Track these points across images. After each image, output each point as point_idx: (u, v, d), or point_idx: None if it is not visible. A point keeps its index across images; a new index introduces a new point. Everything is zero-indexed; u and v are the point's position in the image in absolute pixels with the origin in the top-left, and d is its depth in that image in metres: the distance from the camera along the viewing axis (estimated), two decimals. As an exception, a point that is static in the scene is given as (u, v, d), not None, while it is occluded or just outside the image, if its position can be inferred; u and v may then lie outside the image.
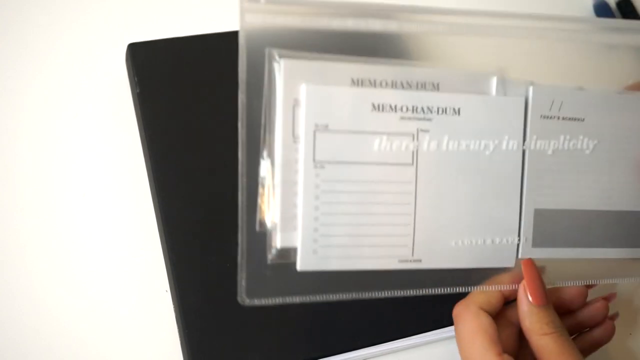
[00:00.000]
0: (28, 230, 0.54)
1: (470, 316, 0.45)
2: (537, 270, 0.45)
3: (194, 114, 0.56)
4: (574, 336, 0.50)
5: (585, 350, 0.49)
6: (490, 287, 0.46)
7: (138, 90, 0.57)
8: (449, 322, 0.50)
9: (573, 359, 0.43)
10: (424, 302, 0.48)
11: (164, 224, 0.53)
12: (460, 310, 0.46)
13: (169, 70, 0.58)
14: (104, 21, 0.64)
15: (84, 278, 0.53)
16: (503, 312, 0.48)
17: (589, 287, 0.50)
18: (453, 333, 0.49)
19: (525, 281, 0.45)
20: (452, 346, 0.50)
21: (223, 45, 0.56)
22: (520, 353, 0.47)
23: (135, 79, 0.57)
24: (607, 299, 0.51)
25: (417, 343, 0.52)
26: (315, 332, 0.50)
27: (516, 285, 0.46)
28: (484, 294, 0.46)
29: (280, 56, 0.42)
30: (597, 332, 0.49)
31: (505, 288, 0.46)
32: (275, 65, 0.42)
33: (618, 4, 0.70)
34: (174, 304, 0.51)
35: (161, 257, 0.53)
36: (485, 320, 0.45)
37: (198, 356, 0.49)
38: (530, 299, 0.45)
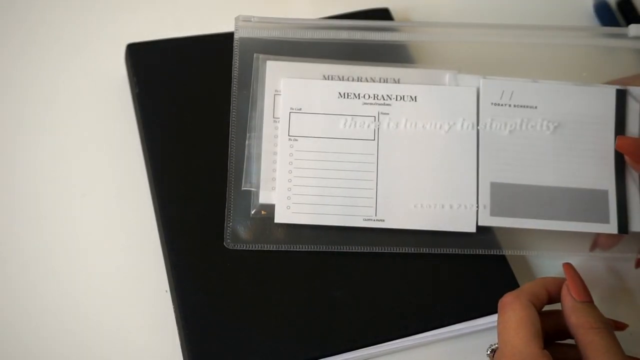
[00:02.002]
0: (28, 230, 0.56)
1: (520, 306, 0.46)
2: (576, 271, 0.49)
3: (193, 113, 0.58)
4: None
5: None
6: (539, 282, 0.48)
7: (137, 90, 0.59)
8: (449, 322, 0.52)
9: (620, 357, 0.44)
10: (424, 302, 0.53)
11: (164, 224, 0.54)
12: (510, 300, 0.47)
13: (168, 70, 0.60)
14: (104, 21, 0.66)
15: (84, 278, 0.54)
16: None
17: (619, 328, 0.50)
18: (453, 333, 0.53)
19: (568, 281, 0.48)
20: (452, 346, 0.53)
21: (221, 45, 0.56)
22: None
23: (135, 79, 0.59)
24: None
25: (417, 343, 0.52)
26: (315, 332, 0.51)
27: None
28: (533, 290, 0.48)
29: (266, 59, 0.55)
30: None
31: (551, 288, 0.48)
32: (262, 65, 0.55)
33: (618, 4, 0.71)
34: (174, 304, 0.52)
35: (161, 257, 0.54)
36: (533, 314, 0.46)
37: (198, 356, 0.49)
38: (574, 296, 0.47)
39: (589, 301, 0.47)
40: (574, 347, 0.46)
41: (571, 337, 0.47)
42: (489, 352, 0.50)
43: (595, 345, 0.44)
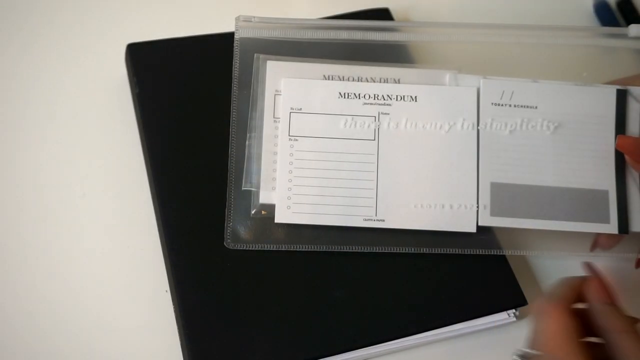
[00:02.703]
0: (28, 230, 0.56)
1: (559, 315, 0.45)
2: (599, 270, 0.48)
3: (193, 113, 0.59)
4: None
5: None
6: (569, 285, 0.47)
7: (137, 90, 0.59)
8: (449, 322, 0.52)
9: None
10: (424, 302, 0.53)
11: (164, 224, 0.54)
12: (549, 308, 0.45)
13: (168, 70, 0.60)
14: (104, 21, 0.67)
15: (84, 278, 0.54)
16: None
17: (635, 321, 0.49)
18: (453, 333, 0.52)
19: (591, 282, 0.47)
20: (452, 346, 0.53)
21: (221, 45, 0.56)
22: None
23: (135, 79, 0.60)
24: None
25: (417, 343, 0.52)
26: (315, 332, 0.51)
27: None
28: (567, 295, 0.46)
29: (266, 59, 0.55)
30: None
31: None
32: (262, 65, 0.55)
33: (618, 4, 0.72)
34: (174, 304, 0.52)
35: (161, 257, 0.54)
36: (574, 323, 0.44)
37: (198, 356, 0.49)
38: (599, 298, 0.46)
39: (615, 302, 0.46)
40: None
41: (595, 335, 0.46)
42: (515, 358, 0.47)
43: (627, 347, 0.44)
